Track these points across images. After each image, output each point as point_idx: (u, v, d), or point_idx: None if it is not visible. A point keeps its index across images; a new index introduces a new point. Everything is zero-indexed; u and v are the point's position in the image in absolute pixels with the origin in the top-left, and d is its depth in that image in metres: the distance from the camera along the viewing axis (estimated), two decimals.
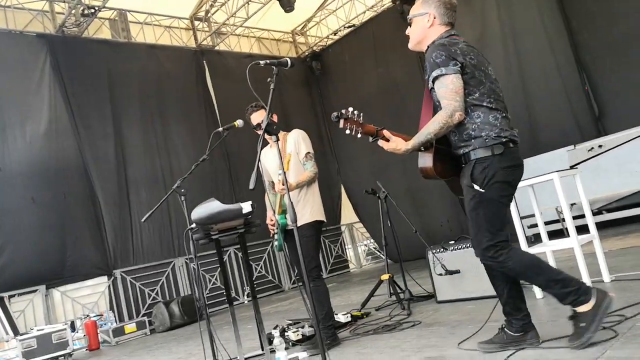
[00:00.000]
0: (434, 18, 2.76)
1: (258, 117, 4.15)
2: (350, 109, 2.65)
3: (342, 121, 2.63)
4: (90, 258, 8.66)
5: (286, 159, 3.94)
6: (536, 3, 9.19)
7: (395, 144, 2.66)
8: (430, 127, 2.58)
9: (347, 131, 2.66)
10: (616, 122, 8.16)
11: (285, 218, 4.03)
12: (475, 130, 2.58)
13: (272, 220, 4.12)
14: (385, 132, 2.73)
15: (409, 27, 2.88)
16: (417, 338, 3.56)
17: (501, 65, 9.68)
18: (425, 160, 2.70)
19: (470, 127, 2.59)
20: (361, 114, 2.68)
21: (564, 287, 2.55)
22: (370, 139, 2.73)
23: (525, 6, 9.30)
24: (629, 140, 7.43)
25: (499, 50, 9.69)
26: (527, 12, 9.27)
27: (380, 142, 2.72)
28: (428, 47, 2.75)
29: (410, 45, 2.90)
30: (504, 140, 2.57)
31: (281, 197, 3.98)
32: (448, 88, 2.54)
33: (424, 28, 2.78)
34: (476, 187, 2.56)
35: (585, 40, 8.65)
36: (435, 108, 2.71)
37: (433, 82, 2.60)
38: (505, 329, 2.77)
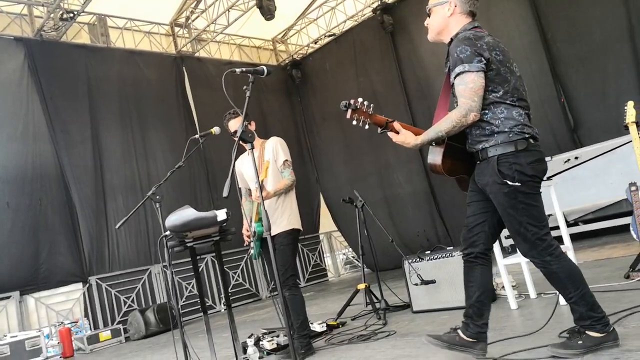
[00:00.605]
0: (455, 7, 2.65)
1: (235, 124, 4.13)
2: (360, 99, 2.60)
3: (349, 111, 2.58)
4: (65, 264, 8.53)
5: (264, 166, 3.92)
6: (512, 14, 9.32)
7: (405, 137, 2.61)
8: (443, 125, 2.52)
9: (355, 122, 2.61)
10: (592, 133, 8.29)
11: (262, 226, 4.00)
12: (500, 126, 2.51)
13: (247, 230, 4.08)
14: (396, 125, 2.68)
15: (427, 17, 2.78)
16: (392, 348, 3.56)
17: None
18: (435, 157, 2.64)
19: (494, 123, 2.52)
20: (371, 105, 2.63)
21: (591, 310, 2.49)
22: (379, 130, 2.68)
23: (502, 17, 9.42)
24: (605, 152, 7.55)
25: None
26: (503, 23, 9.39)
27: (390, 134, 2.67)
28: (452, 39, 2.65)
29: (431, 37, 2.79)
30: (527, 136, 2.51)
31: (258, 205, 3.96)
32: (468, 87, 2.47)
33: (445, 17, 2.68)
34: (510, 182, 2.47)
35: (560, 51, 8.76)
36: (452, 105, 2.66)
37: (455, 77, 2.53)
38: (459, 331, 2.72)
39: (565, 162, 7.78)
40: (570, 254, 3.95)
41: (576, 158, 7.70)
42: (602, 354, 2.42)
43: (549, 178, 7.44)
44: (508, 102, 2.53)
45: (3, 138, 8.34)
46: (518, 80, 2.61)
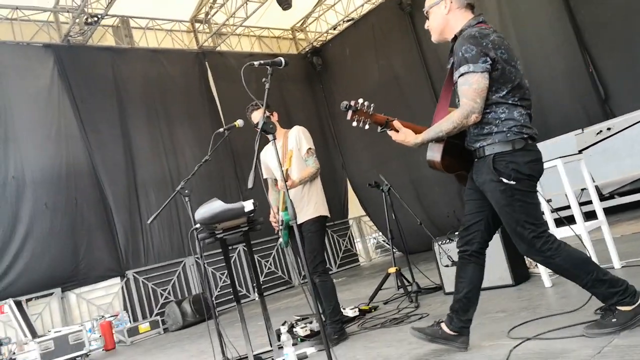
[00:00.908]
0: (451, 3, 2.62)
1: (257, 116, 4.16)
2: (360, 100, 2.61)
3: (350, 113, 2.60)
4: (103, 260, 8.81)
5: (288, 156, 3.95)
6: None
7: (405, 135, 2.62)
8: (444, 125, 2.52)
9: (354, 123, 2.63)
10: (623, 102, 8.03)
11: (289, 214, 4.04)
12: (498, 126, 2.50)
13: (275, 218, 4.12)
14: (396, 123, 2.69)
15: (427, 20, 2.75)
16: None
17: None
18: (434, 153, 2.64)
19: (493, 122, 2.50)
20: (372, 105, 2.64)
21: (611, 287, 2.44)
22: (379, 128, 2.69)
23: None
24: (638, 122, 7.31)
25: None
26: None
27: (390, 133, 2.68)
28: (456, 36, 2.60)
29: (434, 38, 2.75)
30: (525, 136, 2.50)
31: (284, 194, 3.99)
32: (472, 87, 2.44)
33: (443, 16, 2.64)
34: (506, 180, 2.46)
35: (585, 18, 8.49)
36: (454, 102, 2.64)
37: (459, 77, 2.49)
38: (442, 324, 2.77)
39: (598, 133, 7.58)
40: (604, 228, 3.87)
41: (608, 129, 7.48)
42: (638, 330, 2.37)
43: (580, 151, 7.30)
44: (510, 102, 2.51)
45: (38, 142, 8.63)
46: (522, 78, 2.58)
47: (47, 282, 8.17)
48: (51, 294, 8.19)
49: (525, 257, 4.37)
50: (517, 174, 2.46)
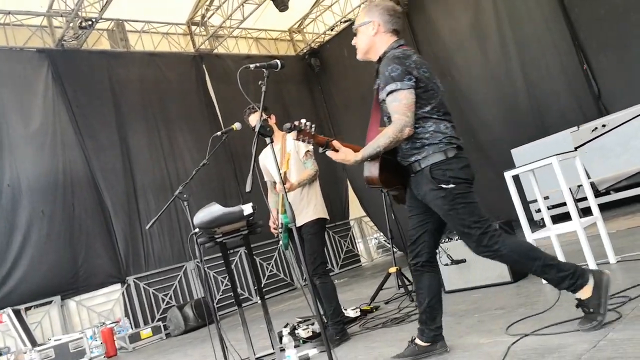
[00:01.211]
0: (379, 25, 2.77)
1: (255, 119, 4.18)
2: (303, 120, 2.72)
3: (295, 132, 2.70)
4: (103, 266, 8.78)
5: (286, 158, 3.97)
6: None
7: (345, 154, 2.68)
8: (380, 141, 2.60)
9: (301, 142, 2.76)
10: (617, 99, 8.09)
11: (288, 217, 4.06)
12: (429, 139, 2.63)
13: (274, 222, 4.15)
14: (335, 143, 2.76)
15: (354, 37, 2.87)
16: None
17: (498, 50, 9.64)
18: (372, 170, 2.73)
19: (424, 136, 2.63)
20: (313, 125, 2.75)
21: (560, 271, 2.55)
22: (320, 149, 2.77)
23: None
24: (633, 118, 7.35)
25: (495, 35, 9.66)
26: None
27: (329, 153, 2.74)
28: (380, 57, 2.75)
29: (359, 56, 2.89)
30: (455, 145, 2.64)
31: (283, 197, 4.01)
32: (401, 103, 2.57)
33: (370, 37, 2.78)
34: (445, 186, 2.58)
35: (579, 16, 8.54)
36: (382, 120, 2.75)
37: (386, 95, 2.61)
38: (416, 340, 2.84)
39: (593, 130, 7.62)
40: (599, 224, 3.90)
41: (603, 126, 7.52)
42: (636, 322, 2.39)
43: (576, 148, 7.34)
44: (435, 116, 2.65)
45: (34, 149, 8.60)
46: (442, 95, 2.73)
47: (46, 290, 8.13)
48: (50, 302, 8.16)
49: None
50: (454, 179, 2.58)
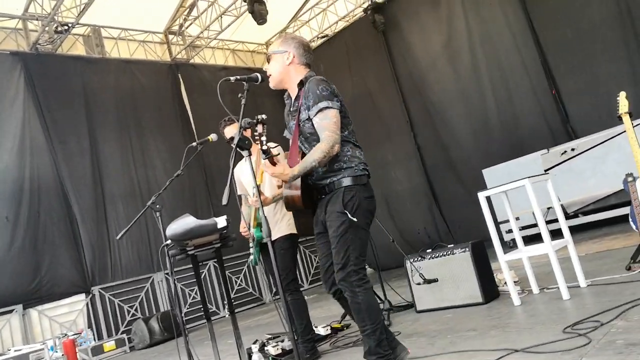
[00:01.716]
0: (294, 57, 2.88)
1: (230, 131, 4.15)
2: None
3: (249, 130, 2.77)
4: (67, 276, 8.55)
5: (260, 172, 3.92)
6: (500, 4, 9.35)
7: (283, 168, 2.66)
8: (315, 155, 2.63)
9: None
10: (585, 124, 8.29)
11: (261, 231, 4.01)
12: (347, 162, 2.72)
13: (245, 229, 4.09)
14: (279, 157, 2.82)
15: (266, 63, 2.96)
16: None
17: (469, 69, 9.84)
18: (293, 190, 2.74)
19: (342, 159, 2.71)
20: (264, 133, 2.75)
21: (379, 345, 2.62)
22: (263, 157, 2.74)
23: (491, 9, 9.47)
24: (601, 143, 7.55)
25: (467, 55, 9.86)
26: (492, 15, 9.46)
27: (265, 165, 2.71)
28: (302, 81, 2.84)
29: (272, 84, 2.97)
30: (367, 173, 2.77)
31: (255, 210, 3.96)
32: (332, 121, 2.65)
33: (284, 65, 2.88)
34: (348, 214, 2.64)
35: (548, 40, 8.78)
36: (307, 138, 2.80)
37: (317, 112, 2.68)
38: None
39: (562, 154, 7.79)
40: (570, 247, 3.96)
41: (572, 150, 7.71)
42: (607, 348, 2.42)
43: (546, 171, 7.49)
44: (352, 141, 2.79)
45: (1, 154, 8.35)
46: (353, 124, 2.86)
47: (8, 298, 7.86)
48: (12, 310, 7.89)
49: (492, 274, 4.44)
50: (358, 208, 2.67)
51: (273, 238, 4.02)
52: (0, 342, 7.69)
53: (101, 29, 10.16)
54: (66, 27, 8.86)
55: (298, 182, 2.73)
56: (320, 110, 2.67)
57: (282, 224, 4.10)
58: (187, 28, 11.30)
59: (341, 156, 2.71)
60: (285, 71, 2.90)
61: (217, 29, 10.99)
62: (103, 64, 10.05)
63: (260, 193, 3.79)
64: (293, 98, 2.93)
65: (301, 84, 2.84)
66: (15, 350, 6.62)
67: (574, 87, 8.54)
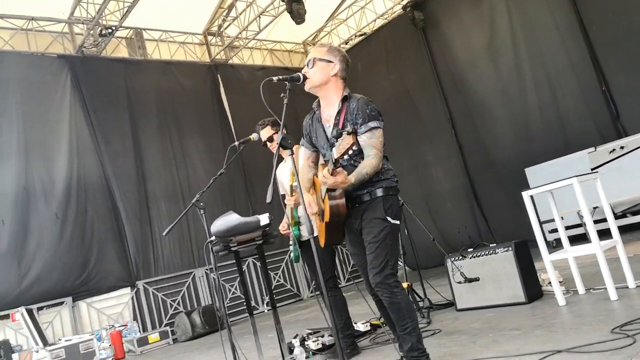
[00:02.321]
0: (338, 70, 2.98)
1: (265, 134, 4.26)
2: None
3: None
4: (113, 270, 8.86)
5: (292, 172, 3.99)
6: (546, 1, 9.10)
7: (343, 177, 2.67)
8: (369, 170, 2.75)
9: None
10: (636, 120, 8.03)
11: (299, 230, 4.07)
12: (384, 174, 2.88)
13: (284, 228, 4.16)
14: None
15: (306, 66, 3.00)
16: (438, 347, 3.55)
17: (512, 68, 9.63)
18: (338, 200, 2.83)
19: (380, 172, 2.85)
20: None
21: (419, 342, 2.80)
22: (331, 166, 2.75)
23: (536, 5, 9.23)
24: None
25: (510, 53, 9.65)
26: (538, 12, 9.21)
27: (325, 176, 2.67)
28: (346, 96, 2.94)
29: (309, 86, 3.00)
30: (397, 184, 2.95)
31: (292, 209, 4.02)
32: (379, 140, 2.82)
33: (328, 75, 2.96)
34: (389, 219, 2.81)
35: (599, 36, 8.50)
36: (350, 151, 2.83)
37: (367, 130, 2.81)
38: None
39: (611, 152, 7.56)
40: (619, 248, 3.86)
41: (622, 148, 7.46)
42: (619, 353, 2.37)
43: (593, 169, 7.28)
44: (386, 156, 2.93)
45: (51, 154, 8.71)
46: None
47: (59, 291, 8.22)
48: (62, 302, 8.24)
49: (536, 274, 4.37)
50: (396, 215, 2.87)
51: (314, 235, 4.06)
52: (52, 333, 8.04)
53: (143, 31, 10.44)
54: (110, 30, 9.13)
55: (342, 192, 2.83)
56: (370, 129, 2.80)
57: (313, 223, 4.14)
58: (225, 29, 11.47)
59: (381, 167, 2.86)
60: (327, 80, 2.97)
61: (255, 29, 11.12)
62: (145, 66, 10.33)
63: (292, 192, 3.86)
64: (326, 107, 3.04)
65: (344, 99, 2.95)
66: (65, 341, 6.91)
67: (626, 84, 8.25)
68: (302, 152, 3.41)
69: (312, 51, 3.05)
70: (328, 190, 2.79)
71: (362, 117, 2.84)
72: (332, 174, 2.65)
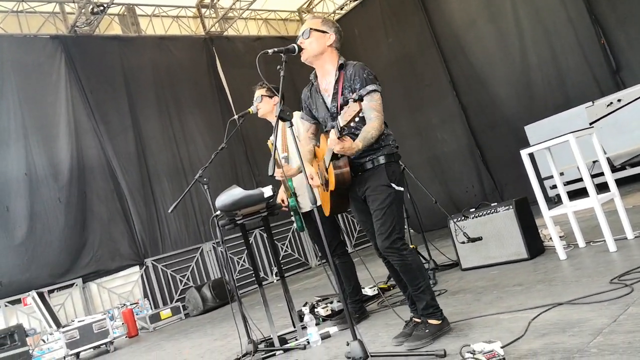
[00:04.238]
0: (334, 40, 3.03)
1: (257, 93, 4.25)
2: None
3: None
4: (121, 250, 8.98)
5: (283, 143, 4.03)
6: None
7: (350, 142, 2.69)
8: (373, 133, 2.80)
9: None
10: (635, 73, 8.01)
11: (296, 201, 4.13)
12: (384, 141, 2.93)
13: (280, 201, 4.21)
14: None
15: (301, 37, 3.00)
16: (444, 306, 3.59)
17: (511, 25, 9.52)
18: (343, 169, 2.87)
19: (381, 137, 2.89)
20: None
21: (433, 299, 2.90)
22: (337, 133, 2.73)
23: None
24: None
25: (508, 10, 9.52)
26: None
27: (333, 141, 2.66)
28: (342, 64, 2.99)
29: (305, 57, 3.02)
30: (398, 150, 3.00)
31: (285, 181, 4.06)
32: (378, 103, 2.85)
33: (324, 45, 3.01)
34: (394, 185, 2.88)
35: None
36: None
37: (367, 93, 2.83)
38: (427, 320, 2.89)
39: (608, 105, 7.54)
40: (617, 200, 3.91)
41: (619, 101, 7.45)
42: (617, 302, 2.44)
43: (591, 124, 7.28)
44: (386, 122, 2.95)
45: (50, 137, 8.73)
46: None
47: (68, 273, 8.38)
48: (72, 284, 8.39)
49: (537, 231, 4.43)
50: (399, 181, 2.92)
51: (311, 208, 4.11)
52: (64, 314, 8.22)
53: (135, 7, 10.31)
54: (102, 8, 8.99)
55: (346, 160, 2.87)
56: (369, 92, 2.83)
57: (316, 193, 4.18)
58: (219, 0, 11.32)
59: (382, 134, 2.89)
60: (323, 50, 3.01)
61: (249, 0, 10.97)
62: (139, 42, 10.24)
63: (280, 166, 3.87)
64: (323, 78, 3.06)
65: (341, 67, 2.99)
66: (78, 322, 7.06)
67: (625, 37, 8.20)
68: (301, 123, 3.43)
69: (307, 22, 3.07)
70: (332, 159, 2.83)
71: (360, 82, 2.89)
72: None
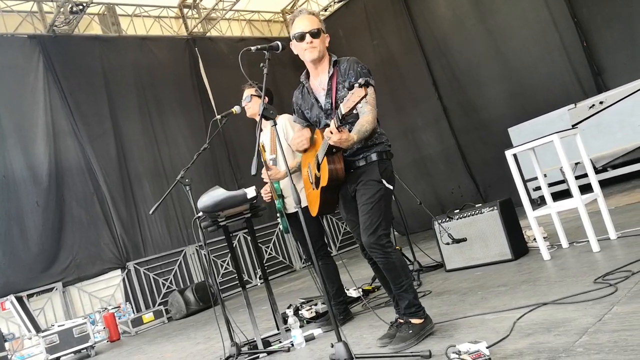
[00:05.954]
0: (327, 40, 3.06)
1: (247, 92, 4.24)
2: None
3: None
4: (102, 253, 8.84)
5: (272, 144, 3.99)
6: None
7: (346, 135, 2.65)
8: (368, 126, 2.77)
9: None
10: (617, 76, 8.10)
11: (282, 203, 4.08)
12: (378, 138, 2.92)
13: (267, 193, 4.15)
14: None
15: (309, 36, 2.93)
16: (428, 307, 3.58)
17: (494, 27, 9.61)
18: (337, 165, 2.84)
19: (375, 135, 2.89)
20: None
21: (416, 298, 2.88)
22: (337, 123, 2.69)
23: None
24: (630, 95, 7.36)
25: (491, 13, 9.61)
26: None
27: (331, 132, 2.64)
28: (336, 61, 2.99)
29: (319, 56, 2.97)
30: (391, 149, 2.99)
31: (272, 183, 4.01)
32: (372, 97, 2.81)
33: (325, 46, 3.02)
34: (385, 182, 2.86)
35: None
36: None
37: (360, 86, 2.71)
38: (409, 319, 2.87)
39: (590, 107, 7.63)
40: (600, 201, 3.93)
41: (601, 103, 7.53)
42: (639, 297, 2.44)
43: (574, 126, 7.35)
44: (378, 120, 2.93)
45: (27, 140, 8.53)
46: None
47: (47, 277, 8.20)
48: (52, 289, 8.22)
49: (521, 231, 4.44)
50: (390, 180, 2.92)
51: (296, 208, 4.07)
52: (44, 319, 8.04)
53: (115, 6, 10.16)
54: (81, 7, 8.82)
55: (340, 155, 2.84)
56: (363, 85, 2.74)
57: (302, 194, 4.14)
58: (201, 0, 11.22)
59: (375, 132, 2.87)
60: (325, 49, 3.01)
61: (232, 0, 10.89)
62: (120, 42, 10.09)
63: (268, 167, 3.83)
64: (317, 77, 3.02)
65: (335, 64, 2.98)
66: (59, 326, 6.92)
67: (609, 40, 8.32)
68: (292, 127, 3.40)
69: (308, 20, 2.95)
70: (327, 153, 2.78)
71: (355, 75, 2.87)
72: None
